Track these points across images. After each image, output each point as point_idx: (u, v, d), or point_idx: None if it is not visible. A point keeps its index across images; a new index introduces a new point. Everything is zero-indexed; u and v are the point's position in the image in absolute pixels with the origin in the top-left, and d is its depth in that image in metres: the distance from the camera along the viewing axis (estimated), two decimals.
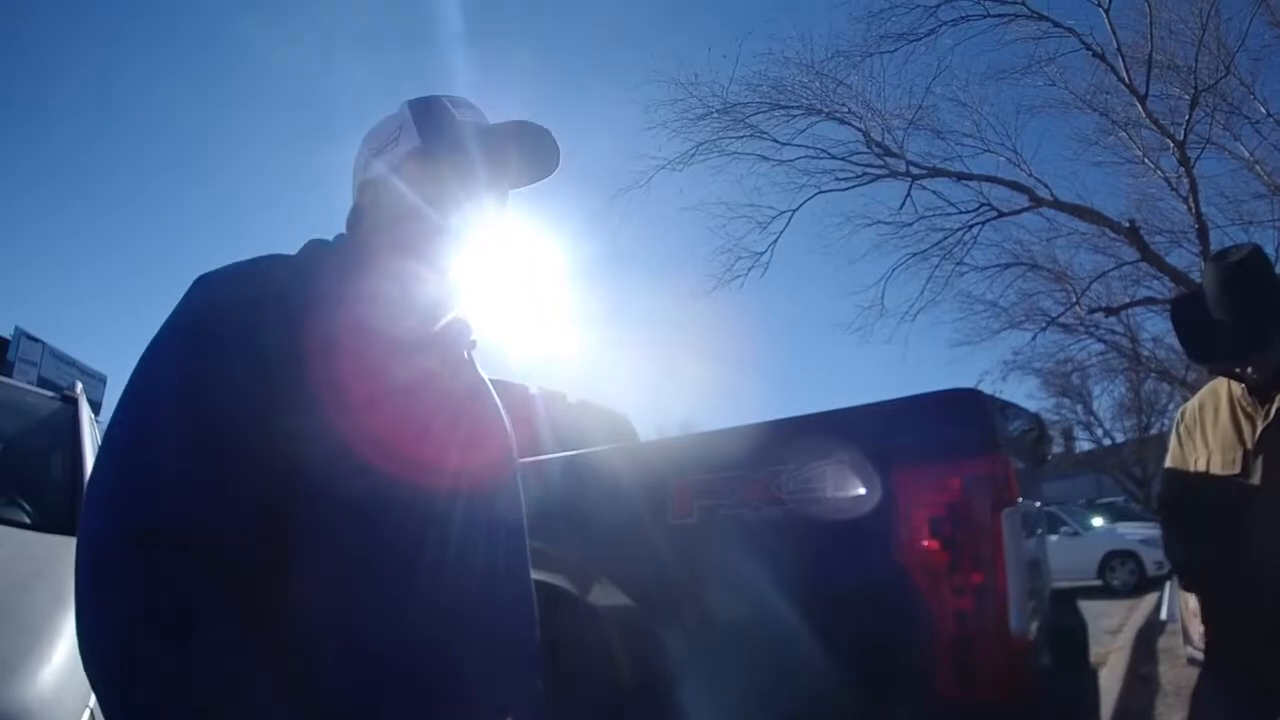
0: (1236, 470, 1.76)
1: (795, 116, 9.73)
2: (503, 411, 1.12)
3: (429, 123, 1.03)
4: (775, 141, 9.83)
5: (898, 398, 1.89)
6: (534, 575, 2.06)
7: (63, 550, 1.73)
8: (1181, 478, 1.92)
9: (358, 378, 0.87)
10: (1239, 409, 1.79)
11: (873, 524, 1.75)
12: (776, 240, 10.12)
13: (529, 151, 1.09)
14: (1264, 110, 9.01)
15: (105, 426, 0.88)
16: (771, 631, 1.83)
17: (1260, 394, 1.75)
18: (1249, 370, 1.75)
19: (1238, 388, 1.80)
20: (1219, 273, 1.78)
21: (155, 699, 0.71)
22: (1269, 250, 9.32)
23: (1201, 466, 1.85)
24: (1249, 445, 1.75)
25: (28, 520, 2.02)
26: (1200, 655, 1.87)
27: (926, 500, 1.71)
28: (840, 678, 1.78)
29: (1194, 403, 1.95)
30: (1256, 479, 1.72)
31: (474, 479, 0.98)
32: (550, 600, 2.04)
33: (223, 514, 0.78)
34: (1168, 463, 1.99)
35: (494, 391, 1.13)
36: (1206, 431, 1.86)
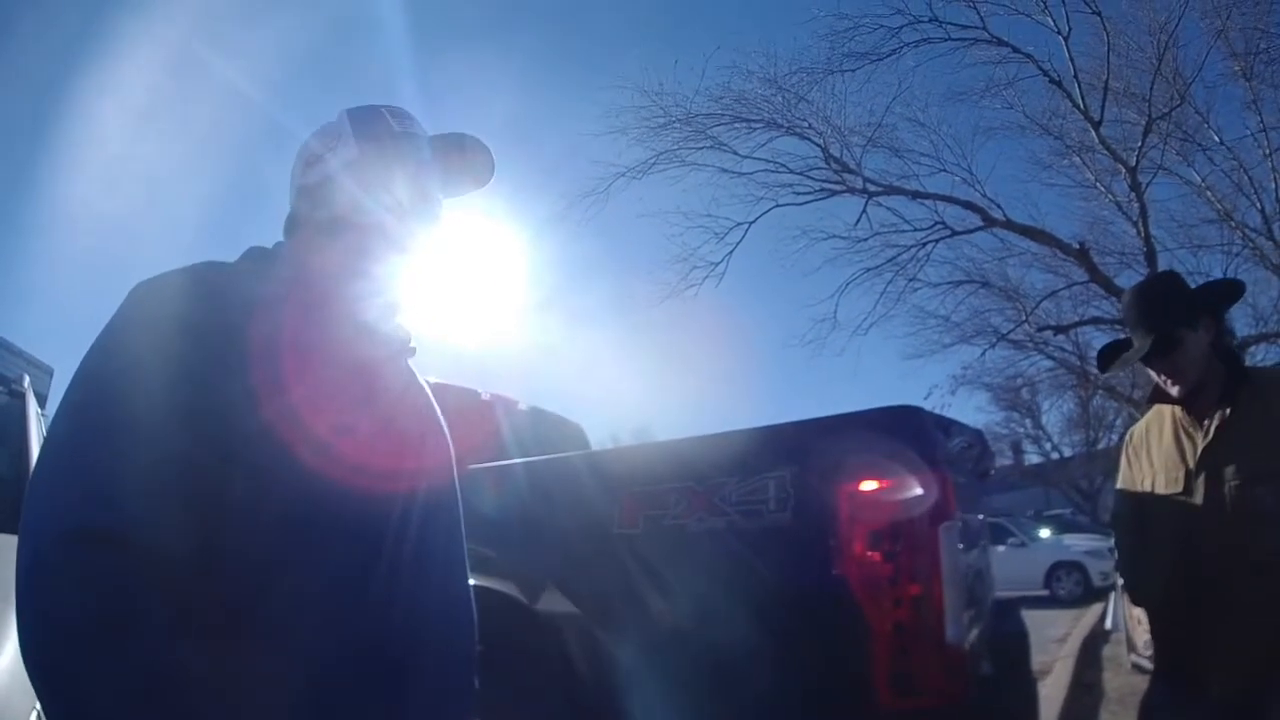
0: (1179, 489, 1.79)
1: (756, 130, 9.78)
2: (442, 419, 1.13)
3: (367, 134, 1.04)
4: (735, 154, 9.85)
5: (840, 414, 1.94)
6: (483, 582, 2.05)
7: (9, 549, 1.67)
8: (1130, 496, 1.97)
9: (299, 384, 0.88)
10: (1180, 429, 1.83)
11: (814, 537, 1.79)
12: (733, 251, 10.17)
13: (462, 166, 1.11)
14: (1218, 138, 9.32)
15: (50, 419, 0.89)
16: (715, 641, 1.85)
17: (1198, 414, 1.78)
18: (1166, 382, 1.79)
19: (1179, 410, 1.83)
20: (1126, 300, 1.95)
21: (96, 700, 0.72)
22: (1217, 273, 9.66)
23: (1147, 486, 1.89)
24: (1190, 464, 1.78)
25: None
26: (1145, 663, 1.91)
27: (867, 514, 1.75)
28: (782, 686, 1.81)
29: (1141, 425, 2.00)
30: (1198, 497, 1.75)
31: (422, 484, 0.99)
32: (498, 607, 2.04)
33: (160, 516, 0.78)
34: (1119, 482, 2.04)
35: (433, 398, 1.14)
36: (1151, 452, 1.90)
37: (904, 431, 1.82)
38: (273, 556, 0.84)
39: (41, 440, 2.37)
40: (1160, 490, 1.84)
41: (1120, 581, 2.14)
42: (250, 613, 0.83)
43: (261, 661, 0.82)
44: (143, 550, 0.76)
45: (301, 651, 0.84)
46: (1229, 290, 1.93)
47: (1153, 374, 1.83)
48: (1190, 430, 1.81)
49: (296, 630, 0.84)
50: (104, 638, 0.72)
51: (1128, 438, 2.03)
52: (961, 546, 1.92)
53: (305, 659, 0.84)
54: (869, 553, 1.74)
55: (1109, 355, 1.97)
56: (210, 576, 0.81)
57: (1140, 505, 1.91)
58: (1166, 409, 1.89)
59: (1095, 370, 14.21)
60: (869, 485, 1.77)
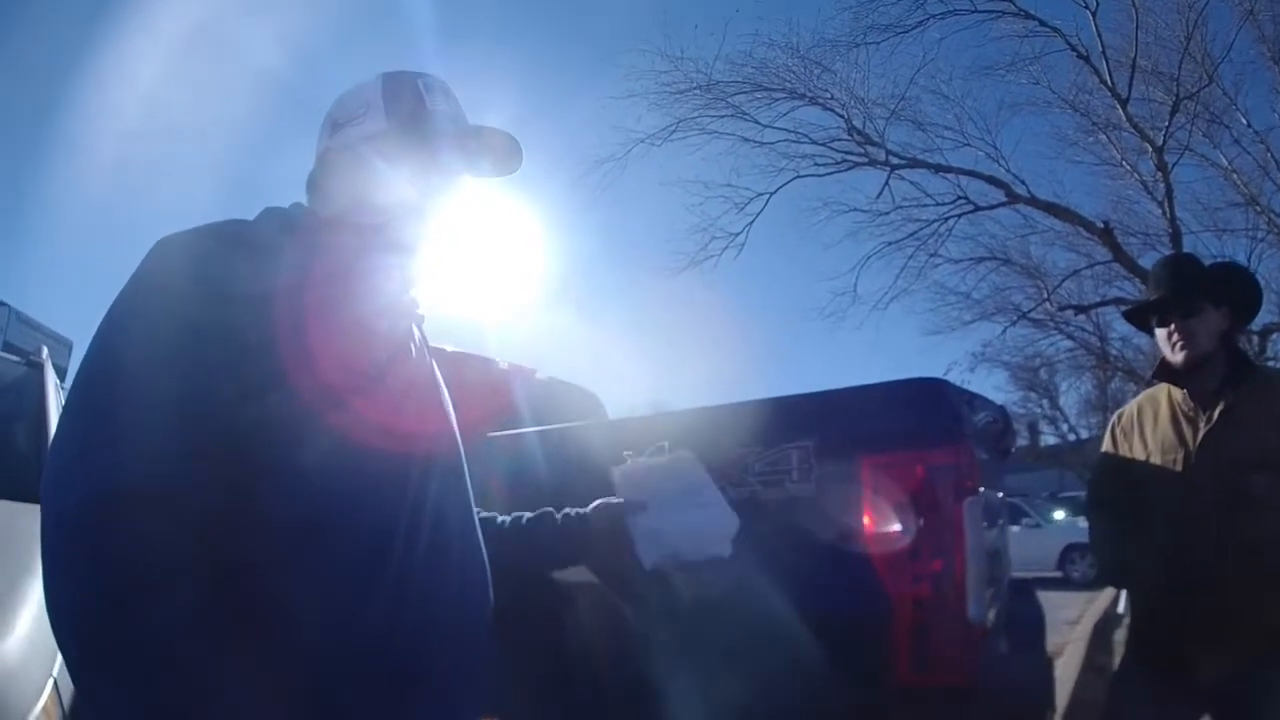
0: (1178, 470, 1.79)
1: (778, 99, 9.75)
2: (444, 390, 1.11)
3: (398, 107, 1.01)
4: (756, 123, 9.84)
5: (864, 385, 1.91)
6: None
7: (26, 518, 1.68)
8: (1116, 478, 1.95)
9: (325, 353, 0.86)
10: (1180, 413, 1.82)
11: (836, 509, 1.77)
12: (753, 222, 10.14)
13: (491, 159, 1.09)
14: (1245, 121, 9.16)
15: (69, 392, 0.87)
16: (732, 613, 1.84)
17: (1200, 399, 1.79)
18: (1177, 344, 1.78)
19: (1178, 393, 1.83)
20: (1158, 262, 2.03)
21: (138, 661, 0.70)
22: (1241, 258, 9.51)
23: (1141, 468, 1.87)
24: (1190, 447, 1.78)
25: None
26: None
27: (890, 487, 1.73)
28: (800, 661, 1.80)
29: (1132, 407, 1.98)
30: (1196, 479, 1.75)
31: (440, 457, 0.99)
32: (515, 576, 2.04)
33: (189, 476, 0.77)
34: (1101, 463, 2.03)
35: (438, 370, 1.12)
36: (1145, 434, 1.88)
37: (929, 405, 1.80)
38: (310, 534, 0.83)
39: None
40: (1155, 473, 1.84)
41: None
42: (287, 596, 0.82)
43: (274, 639, 0.81)
44: (175, 510, 0.75)
45: (335, 631, 0.83)
46: (1250, 299, 1.92)
47: (1162, 338, 1.83)
48: (1191, 414, 1.80)
49: (329, 610, 0.83)
50: (144, 600, 0.71)
51: (1115, 419, 2.01)
52: (984, 523, 1.90)
53: (339, 638, 0.83)
54: (891, 526, 1.72)
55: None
56: (235, 543, 0.80)
57: (1131, 486, 1.90)
58: (1162, 393, 1.88)
59: (1115, 351, 14.22)
60: (893, 458, 1.75)
